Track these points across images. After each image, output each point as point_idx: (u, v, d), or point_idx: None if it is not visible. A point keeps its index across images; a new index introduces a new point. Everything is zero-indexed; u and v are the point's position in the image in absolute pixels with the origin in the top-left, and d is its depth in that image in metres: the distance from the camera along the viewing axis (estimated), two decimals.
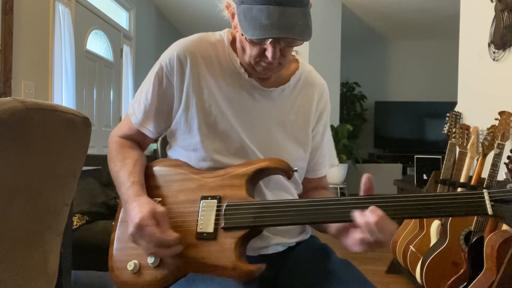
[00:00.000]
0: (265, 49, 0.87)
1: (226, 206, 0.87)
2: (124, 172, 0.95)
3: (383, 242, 0.78)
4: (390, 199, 0.80)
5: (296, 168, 0.90)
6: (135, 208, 0.86)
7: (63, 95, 3.20)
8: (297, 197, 1.04)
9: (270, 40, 0.84)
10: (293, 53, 1.01)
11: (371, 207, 0.78)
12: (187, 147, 0.97)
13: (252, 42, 0.87)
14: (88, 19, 3.85)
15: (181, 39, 0.98)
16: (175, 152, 1.01)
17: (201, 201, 0.89)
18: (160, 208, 0.86)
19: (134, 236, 0.84)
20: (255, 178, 0.91)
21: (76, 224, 2.05)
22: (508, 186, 0.76)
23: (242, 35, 0.86)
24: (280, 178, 0.98)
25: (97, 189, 2.33)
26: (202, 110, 0.95)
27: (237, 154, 0.95)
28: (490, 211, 0.76)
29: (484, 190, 0.77)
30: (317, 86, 1.06)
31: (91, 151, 2.87)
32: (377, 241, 0.78)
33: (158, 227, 0.83)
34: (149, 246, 0.83)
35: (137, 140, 1.06)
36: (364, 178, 0.81)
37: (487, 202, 0.76)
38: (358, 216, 0.78)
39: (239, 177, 0.90)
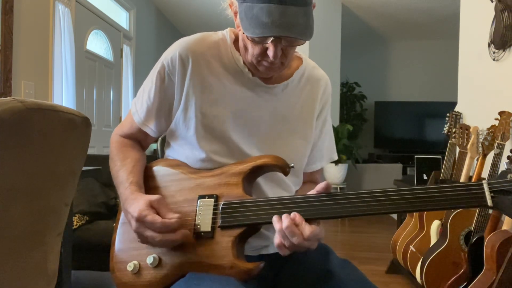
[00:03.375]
0: (266, 48, 0.87)
1: (223, 204, 0.87)
2: (124, 172, 0.95)
3: (297, 245, 0.78)
4: (389, 193, 0.79)
5: (292, 165, 0.89)
6: (132, 205, 0.86)
7: (63, 95, 3.20)
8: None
9: (272, 39, 0.84)
10: None
11: (293, 213, 0.80)
12: (185, 146, 0.97)
13: (254, 41, 0.87)
14: (88, 19, 3.85)
15: (183, 38, 0.98)
16: (174, 151, 1.01)
17: (198, 200, 0.89)
18: (155, 196, 0.86)
19: (138, 229, 0.84)
20: (251, 176, 0.91)
21: (76, 224, 2.05)
22: (508, 176, 0.75)
23: (244, 33, 0.86)
24: (279, 174, 0.98)
25: (97, 189, 2.33)
26: (201, 111, 0.95)
27: (234, 156, 0.95)
28: (489, 202, 0.75)
29: (483, 182, 0.76)
30: (322, 80, 1.07)
31: (91, 151, 2.87)
32: (291, 245, 0.78)
33: (158, 214, 0.84)
34: (155, 234, 0.83)
35: (138, 139, 1.06)
36: (324, 183, 0.83)
37: (487, 193, 0.75)
38: (274, 221, 0.80)
39: (235, 175, 0.90)
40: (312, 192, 0.84)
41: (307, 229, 0.78)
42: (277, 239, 0.80)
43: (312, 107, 1.04)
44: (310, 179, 1.11)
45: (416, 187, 0.79)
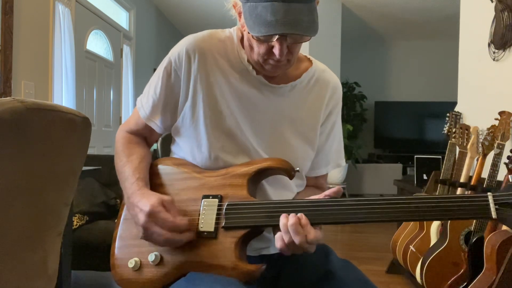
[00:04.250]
0: (272, 47, 0.86)
1: (227, 205, 0.87)
2: (129, 168, 0.95)
3: (297, 245, 0.79)
4: (393, 201, 0.79)
5: (298, 169, 0.90)
6: (142, 199, 0.86)
7: (63, 95, 3.20)
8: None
9: (277, 37, 0.83)
10: None
11: (300, 213, 0.81)
12: (191, 143, 0.97)
13: (259, 40, 0.87)
14: (88, 19, 3.85)
15: (191, 35, 0.98)
16: (179, 148, 1.01)
17: (203, 200, 0.89)
18: (167, 197, 0.87)
19: (146, 224, 0.84)
20: (256, 178, 0.91)
21: (76, 224, 2.05)
22: None
23: (249, 33, 0.86)
24: (284, 177, 0.98)
25: (97, 189, 2.33)
26: (208, 107, 0.95)
27: (241, 153, 0.95)
28: (494, 215, 0.75)
29: (488, 194, 0.76)
30: (331, 84, 1.05)
31: (91, 151, 2.88)
32: (291, 243, 0.79)
33: (169, 213, 0.84)
34: (163, 232, 0.83)
35: (144, 135, 1.06)
36: (336, 188, 0.84)
37: (491, 205, 0.75)
38: (281, 218, 0.81)
39: (240, 177, 0.90)
40: (318, 196, 0.84)
41: (312, 232, 0.79)
42: (278, 233, 0.81)
43: (318, 111, 1.03)
44: (315, 183, 1.10)
45: (421, 196, 0.79)
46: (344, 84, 6.80)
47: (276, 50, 0.85)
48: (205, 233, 0.86)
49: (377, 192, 5.82)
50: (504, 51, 2.38)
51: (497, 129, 2.03)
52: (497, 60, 2.45)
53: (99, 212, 2.21)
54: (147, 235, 0.86)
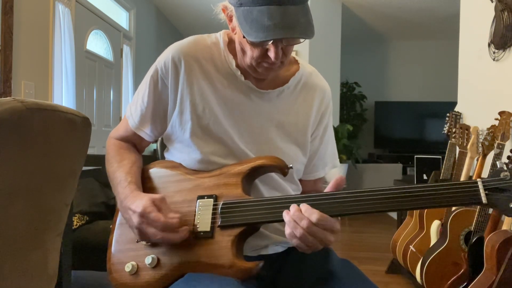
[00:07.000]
0: (266, 50, 0.86)
1: (223, 204, 0.87)
2: (121, 173, 0.95)
3: (307, 231, 0.76)
4: (387, 191, 0.79)
5: (291, 165, 0.90)
6: (135, 201, 0.86)
7: (63, 95, 3.20)
8: None
9: (272, 40, 0.83)
10: (293, 53, 1.01)
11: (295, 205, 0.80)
12: (182, 149, 0.97)
13: (253, 44, 0.86)
14: (88, 19, 3.85)
15: (176, 42, 0.98)
16: (172, 155, 1.02)
17: (198, 200, 0.90)
18: (158, 195, 0.87)
19: (140, 225, 0.84)
20: (250, 176, 0.91)
21: (76, 224, 2.05)
22: (502, 175, 0.77)
23: (244, 37, 0.85)
24: (277, 178, 0.98)
25: (97, 189, 2.33)
26: (196, 113, 0.95)
27: (232, 156, 0.95)
28: (484, 200, 0.76)
29: (478, 180, 0.77)
30: (318, 88, 1.05)
31: (91, 151, 2.87)
32: (302, 233, 0.77)
33: (161, 212, 0.84)
34: (156, 232, 0.83)
35: (134, 142, 1.07)
36: (339, 178, 0.82)
37: (481, 191, 0.76)
38: (284, 216, 0.80)
39: (234, 176, 0.90)
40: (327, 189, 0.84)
41: (315, 213, 0.77)
42: (287, 229, 0.79)
43: (307, 114, 1.03)
44: (313, 188, 1.10)
45: (414, 185, 0.80)
46: (344, 84, 6.79)
47: (271, 54, 0.85)
48: (202, 233, 0.86)
49: None
50: (504, 51, 2.38)
51: (497, 129, 2.03)
52: (497, 60, 2.45)
53: (99, 212, 2.21)
54: (143, 236, 0.86)
